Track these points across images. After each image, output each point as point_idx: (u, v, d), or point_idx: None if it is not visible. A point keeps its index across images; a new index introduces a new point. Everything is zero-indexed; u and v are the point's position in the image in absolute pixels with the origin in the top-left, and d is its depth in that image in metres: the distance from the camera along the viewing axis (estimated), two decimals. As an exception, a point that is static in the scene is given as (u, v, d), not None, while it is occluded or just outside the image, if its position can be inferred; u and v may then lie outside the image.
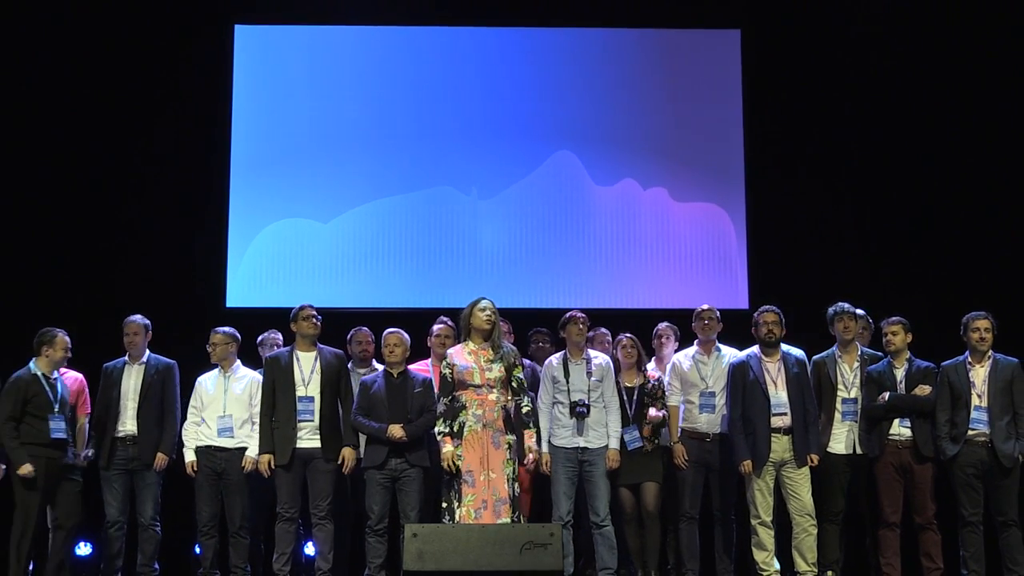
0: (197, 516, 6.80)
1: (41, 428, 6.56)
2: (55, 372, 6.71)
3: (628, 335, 6.91)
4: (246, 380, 6.92)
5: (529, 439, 6.20)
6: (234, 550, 6.76)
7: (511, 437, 6.16)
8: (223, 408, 6.81)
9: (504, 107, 8.95)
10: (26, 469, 6.45)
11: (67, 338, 6.74)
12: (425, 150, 8.87)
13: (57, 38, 8.68)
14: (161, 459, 6.82)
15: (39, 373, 6.65)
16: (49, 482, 6.58)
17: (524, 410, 6.22)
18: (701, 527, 6.90)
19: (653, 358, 7.25)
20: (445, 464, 6.11)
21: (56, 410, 6.59)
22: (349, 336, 7.23)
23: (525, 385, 6.30)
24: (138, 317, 7.11)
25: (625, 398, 6.76)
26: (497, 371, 6.15)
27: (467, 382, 6.14)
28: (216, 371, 6.94)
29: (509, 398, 6.21)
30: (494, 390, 6.14)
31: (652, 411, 6.68)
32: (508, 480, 6.06)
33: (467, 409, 6.14)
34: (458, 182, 8.86)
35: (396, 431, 6.45)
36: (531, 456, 6.19)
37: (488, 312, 6.21)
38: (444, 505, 6.14)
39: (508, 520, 5.91)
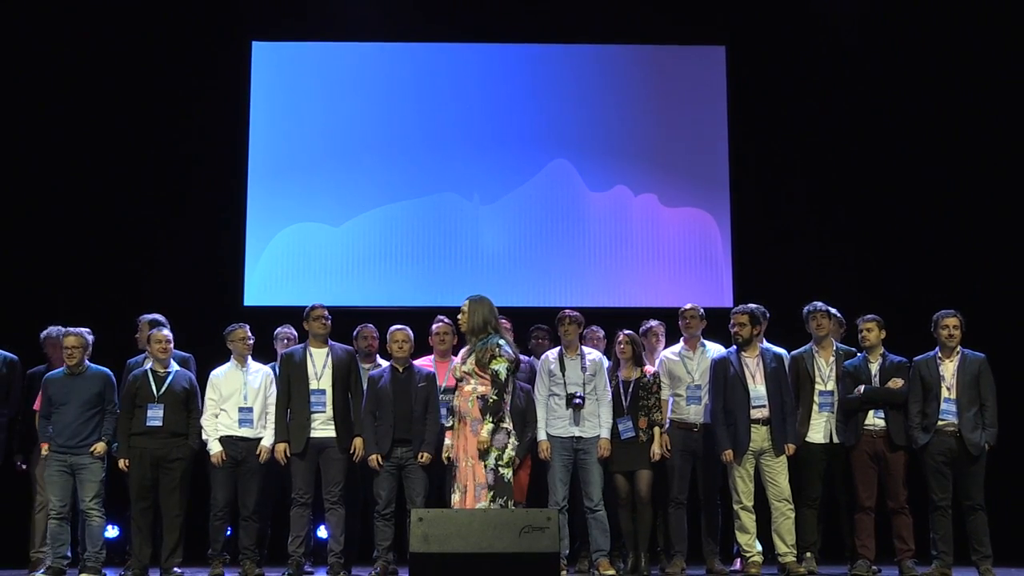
0: (212, 501, 6.75)
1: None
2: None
3: (626, 332, 6.86)
4: (261, 373, 6.87)
5: (482, 430, 5.81)
6: (245, 533, 6.71)
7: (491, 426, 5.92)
8: (244, 399, 6.74)
9: (504, 118, 8.96)
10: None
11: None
12: (430, 158, 8.88)
13: (95, 57, 8.75)
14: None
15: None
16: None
17: (488, 402, 5.85)
18: (688, 512, 6.89)
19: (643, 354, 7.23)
20: (443, 455, 6.11)
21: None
22: (356, 332, 7.20)
23: (501, 379, 5.84)
24: (155, 316, 7.07)
25: (622, 391, 6.75)
26: (469, 365, 5.93)
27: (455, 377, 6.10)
28: (231, 365, 6.83)
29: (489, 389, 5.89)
30: (470, 382, 5.94)
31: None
32: (486, 467, 5.81)
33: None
34: (461, 188, 8.86)
35: (371, 461, 6.51)
36: (481, 446, 5.82)
37: (460, 314, 6.07)
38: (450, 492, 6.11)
39: (486, 504, 5.72)
